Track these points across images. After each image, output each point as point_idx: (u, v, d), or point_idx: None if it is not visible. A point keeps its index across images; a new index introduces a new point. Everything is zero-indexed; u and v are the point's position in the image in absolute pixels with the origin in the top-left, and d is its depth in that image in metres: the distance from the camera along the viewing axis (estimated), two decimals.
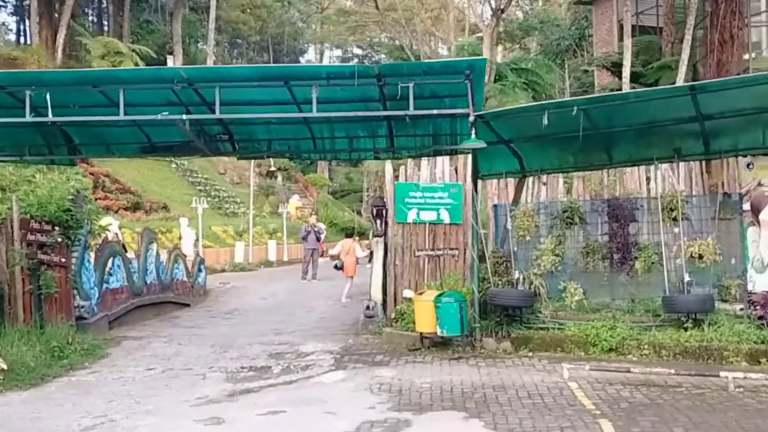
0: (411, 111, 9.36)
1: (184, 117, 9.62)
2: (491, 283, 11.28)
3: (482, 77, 9.52)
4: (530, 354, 10.71)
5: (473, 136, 9.23)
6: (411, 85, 9.24)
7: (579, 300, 11.04)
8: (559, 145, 10.19)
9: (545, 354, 10.67)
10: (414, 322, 12.14)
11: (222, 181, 48.94)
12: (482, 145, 9.28)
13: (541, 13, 45.26)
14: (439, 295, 11.04)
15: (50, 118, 9.42)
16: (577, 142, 9.95)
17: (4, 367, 10.08)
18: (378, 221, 13.12)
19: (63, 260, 12.99)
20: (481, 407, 8.04)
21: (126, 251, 16.29)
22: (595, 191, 13.14)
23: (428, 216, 12.98)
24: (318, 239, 24.77)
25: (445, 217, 12.95)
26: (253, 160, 40.99)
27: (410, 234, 13.12)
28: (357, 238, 35.40)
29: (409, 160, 13.19)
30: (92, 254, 14.31)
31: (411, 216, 13.02)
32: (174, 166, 45.41)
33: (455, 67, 9.27)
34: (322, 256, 26.77)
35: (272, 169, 38.12)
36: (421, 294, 11.46)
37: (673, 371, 8.93)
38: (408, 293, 12.71)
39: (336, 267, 18.65)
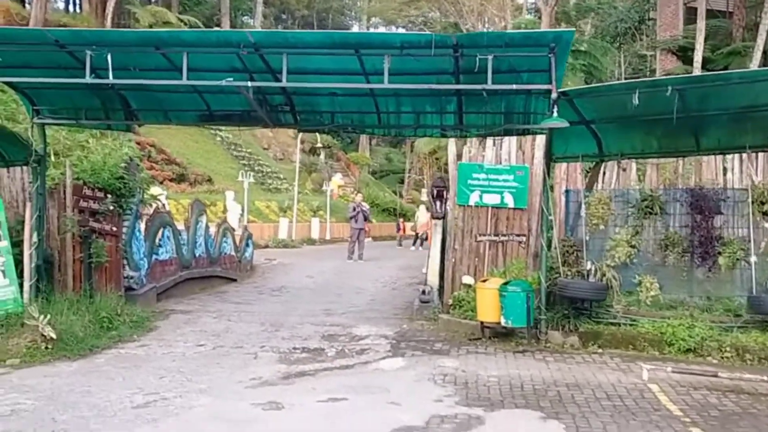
0: (489, 85, 8.78)
1: (249, 84, 9.13)
2: (559, 273, 10.65)
3: (567, 51, 8.87)
4: (600, 350, 10.09)
5: (555, 114, 8.59)
6: (490, 57, 8.64)
7: (654, 295, 10.37)
8: (643, 128, 9.49)
9: (616, 351, 10.03)
10: (473, 310, 11.62)
11: (266, 156, 48.73)
12: (565, 124, 8.66)
13: None
14: (505, 283, 10.46)
15: (111, 80, 9.01)
16: (663, 125, 9.27)
17: (54, 336, 9.81)
18: (438, 203, 12.56)
19: (114, 229, 12.70)
20: (558, 407, 7.47)
21: None
22: (670, 180, 12.41)
23: (491, 199, 12.39)
24: (366, 218, 24.31)
25: (509, 201, 12.35)
26: (299, 135, 40.81)
27: (471, 217, 12.54)
28: (402, 220, 35.27)
29: (474, 139, 12.58)
30: (142, 224, 14.00)
31: (473, 198, 12.43)
32: (219, 139, 45.31)
33: (539, 39, 8.64)
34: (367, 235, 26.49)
35: (318, 145, 37.69)
36: (484, 281, 10.90)
37: (765, 378, 8.25)
38: (468, 279, 12.15)
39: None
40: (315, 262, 22.82)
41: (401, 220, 34.01)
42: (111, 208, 12.52)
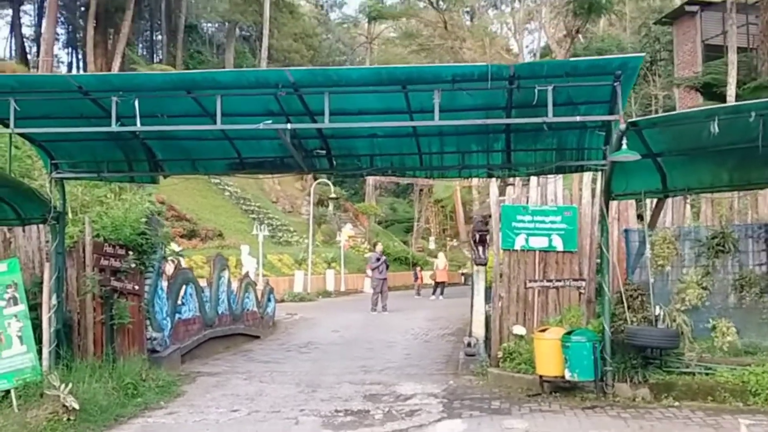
0: (550, 118, 8.07)
1: (289, 126, 8.45)
2: (623, 320, 9.83)
3: (633, 79, 8.20)
4: (677, 404, 9.18)
5: (624, 146, 7.88)
6: (550, 88, 7.97)
7: (731, 341, 9.51)
8: (714, 160, 8.76)
9: (694, 404, 9.13)
10: (527, 363, 10.81)
11: (275, 210, 48.26)
12: (636, 156, 7.94)
13: (605, 38, 43.83)
14: (568, 333, 9.63)
15: (139, 127, 8.32)
16: (735, 156, 8.56)
17: (76, 406, 9.00)
18: (480, 248, 11.77)
19: (137, 288, 11.93)
20: None
21: None
22: (726, 217, 11.65)
23: (539, 242, 11.61)
24: (387, 267, 23.55)
25: (558, 243, 11.57)
26: (313, 186, 40.25)
27: (517, 263, 11.75)
28: (419, 268, 34.52)
29: (517, 180, 11.88)
30: (164, 281, 13.23)
31: (519, 242, 11.66)
32: (227, 194, 44.93)
33: (605, 67, 7.96)
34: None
35: (332, 195, 37.19)
36: (542, 331, 10.06)
37: None
38: (519, 330, 11.32)
39: None
40: (337, 315, 21.94)
41: (418, 268, 33.18)
42: (133, 265, 11.77)
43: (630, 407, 9.18)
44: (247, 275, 17.98)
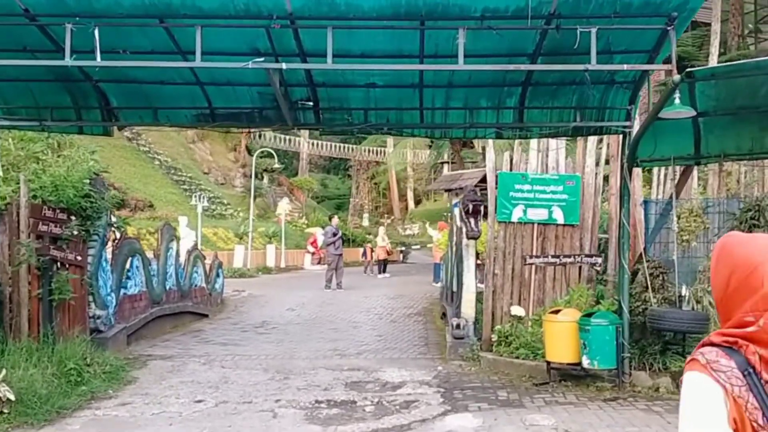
0: (593, 65, 6.94)
1: (284, 66, 7.02)
2: (640, 301, 8.85)
3: (687, 23, 7.15)
4: None
5: (677, 101, 6.79)
6: (593, 30, 6.82)
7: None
8: (761, 123, 7.77)
9: None
10: (525, 347, 9.79)
11: (207, 181, 46.03)
12: (692, 113, 6.90)
13: None
14: (587, 315, 8.57)
15: (99, 62, 6.76)
16: None
17: (12, 397, 7.62)
18: (472, 219, 10.58)
19: (79, 258, 10.31)
20: None
21: None
22: (735, 189, 10.83)
23: (537, 214, 10.55)
24: (343, 242, 22.22)
25: (558, 216, 10.53)
26: (253, 160, 38.44)
27: (513, 236, 10.66)
28: (369, 245, 33.28)
29: (516, 144, 10.75)
30: (109, 252, 11.60)
31: (516, 214, 10.57)
32: (157, 163, 42.60)
33: (659, 6, 6.83)
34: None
35: (277, 166, 35.53)
36: (555, 312, 8.96)
37: None
38: (517, 310, 10.24)
39: None
40: (288, 292, 20.48)
41: (368, 245, 31.88)
42: (75, 232, 10.13)
43: (656, 399, 8.20)
44: (195, 247, 16.37)
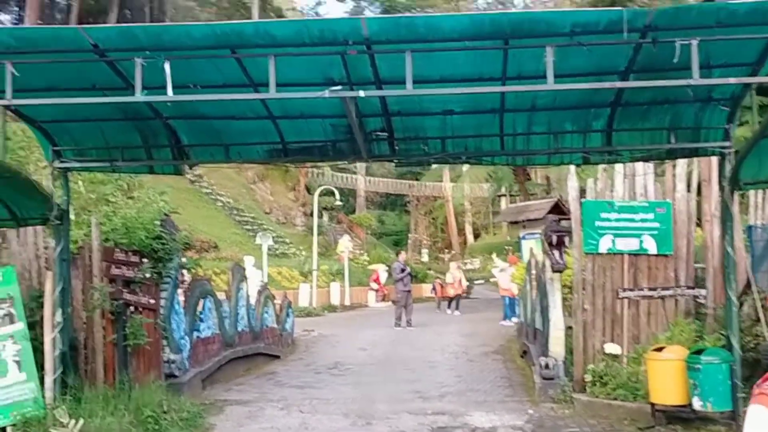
0: (696, 80, 6.37)
1: (362, 93, 6.65)
2: (751, 336, 8.15)
3: None
4: None
5: None
6: (694, 42, 6.28)
7: None
8: None
9: None
10: (623, 388, 9.12)
11: (268, 221, 46.25)
12: None
13: None
14: (696, 352, 7.88)
15: (170, 96, 6.51)
16: None
17: None
18: (557, 252, 10.02)
19: (152, 301, 10.08)
20: None
21: None
22: None
23: (627, 244, 9.91)
24: (413, 278, 21.71)
25: (650, 245, 9.87)
26: (301, 198, 38.48)
27: (602, 269, 10.03)
28: (439, 281, 32.68)
29: (601, 170, 10.17)
30: (181, 294, 11.37)
31: (603, 245, 9.95)
32: (220, 204, 43.02)
33: (767, 14, 6.26)
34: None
35: (338, 203, 35.43)
36: (658, 350, 8.29)
37: None
38: (612, 348, 9.59)
39: None
40: (357, 331, 20.04)
41: (437, 281, 31.24)
42: (148, 275, 9.92)
43: None
44: (266, 287, 16.11)
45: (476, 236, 65.67)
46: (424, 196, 63.24)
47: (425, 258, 57.19)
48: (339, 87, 6.62)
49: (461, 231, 64.30)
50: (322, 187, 37.39)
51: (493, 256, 30.20)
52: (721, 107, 7.87)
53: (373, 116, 8.17)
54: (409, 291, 20.59)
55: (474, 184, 55.29)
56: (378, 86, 7.34)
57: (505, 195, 54.85)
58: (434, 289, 30.86)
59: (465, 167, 54.38)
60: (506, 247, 38.62)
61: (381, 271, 36.28)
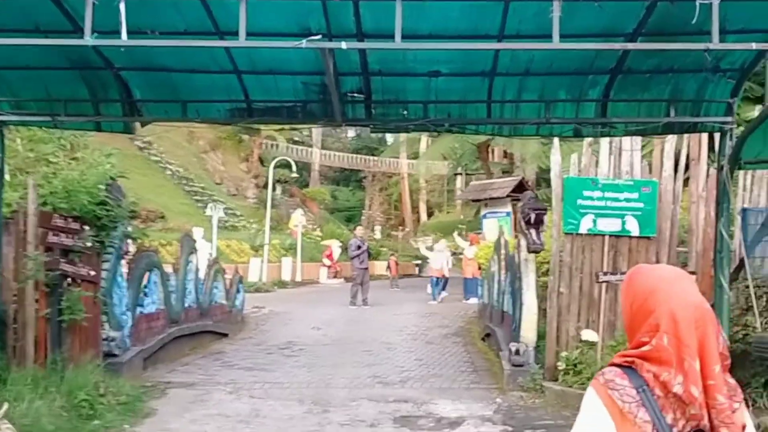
0: (716, 44, 5.74)
1: (343, 45, 5.82)
2: (740, 326, 7.64)
3: None
4: None
5: None
6: (716, 2, 5.63)
7: None
8: None
9: None
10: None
11: (219, 192, 44.91)
12: None
13: None
14: None
15: (125, 40, 5.57)
16: None
17: None
18: (534, 231, 9.38)
19: (92, 273, 9.11)
20: None
21: None
22: None
23: (609, 225, 9.34)
24: (370, 255, 20.92)
25: (633, 227, 9.33)
26: (254, 169, 37.41)
27: (581, 250, 9.46)
28: (394, 257, 31.92)
29: (586, 145, 9.56)
30: (124, 266, 10.43)
31: (585, 225, 9.37)
32: (169, 173, 41.55)
33: None
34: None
35: (294, 175, 34.57)
36: None
37: None
38: (589, 335, 9.02)
39: None
40: (310, 308, 19.23)
41: (393, 258, 30.54)
42: (89, 244, 8.96)
43: None
44: (216, 260, 15.16)
45: (429, 214, 65.34)
46: (380, 173, 62.51)
47: (378, 235, 56.59)
48: (318, 36, 5.78)
49: (415, 209, 63.84)
50: (278, 158, 36.31)
51: (454, 234, 29.58)
52: (727, 79, 7.29)
53: (351, 75, 7.35)
54: (365, 269, 19.81)
55: (432, 162, 54.74)
56: (360, 39, 6.54)
57: (460, 174, 54.43)
58: (389, 266, 30.18)
59: (423, 145, 53.88)
60: (460, 226, 38.18)
61: (334, 247, 35.50)
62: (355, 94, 7.49)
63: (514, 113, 7.89)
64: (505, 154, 41.47)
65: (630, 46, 6.36)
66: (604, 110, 7.73)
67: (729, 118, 7.44)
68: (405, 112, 7.75)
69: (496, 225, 25.06)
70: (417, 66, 7.12)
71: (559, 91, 7.63)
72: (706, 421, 1.79)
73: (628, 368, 1.83)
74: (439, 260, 22.18)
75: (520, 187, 25.57)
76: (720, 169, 7.54)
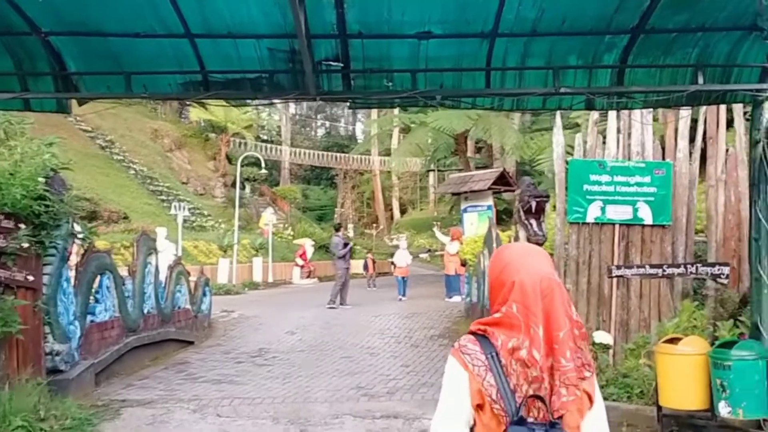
0: None
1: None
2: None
3: None
4: None
5: None
6: None
7: None
8: None
9: None
10: (616, 385, 7.50)
11: (185, 191, 43.45)
12: None
13: None
14: (723, 344, 6.31)
15: None
16: None
17: None
18: (534, 221, 8.31)
19: (31, 278, 7.90)
20: None
21: None
22: None
23: (619, 213, 8.34)
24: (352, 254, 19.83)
25: (646, 214, 8.33)
26: (221, 168, 36.03)
27: (589, 241, 8.43)
28: (371, 256, 30.75)
29: (591, 123, 8.52)
30: (71, 269, 9.20)
31: (592, 213, 8.35)
32: (132, 172, 40.14)
33: None
34: None
35: (264, 171, 33.32)
36: (671, 342, 6.67)
37: None
38: (603, 337, 7.97)
39: None
40: (283, 311, 18.01)
41: (369, 257, 29.36)
42: (26, 245, 7.74)
43: None
44: (178, 261, 13.91)
45: (403, 212, 64.46)
46: (352, 170, 61.45)
47: (351, 233, 55.49)
48: None
49: (388, 206, 62.93)
50: (246, 155, 35.04)
51: (435, 229, 28.60)
52: (763, 39, 6.25)
53: (326, 37, 6.19)
54: (347, 268, 18.64)
55: (405, 157, 53.74)
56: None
57: (433, 170, 53.46)
58: (366, 265, 29.04)
59: (395, 141, 52.79)
60: (434, 222, 37.21)
61: (307, 246, 34.38)
62: (332, 63, 6.33)
63: (517, 83, 6.76)
64: (478, 149, 40.60)
65: None
66: (621, 78, 6.66)
67: (765, 85, 6.42)
68: (390, 84, 6.60)
69: (477, 219, 24.17)
70: (405, 25, 6.00)
71: (570, 56, 6.53)
72: (546, 384, 2.01)
73: (481, 336, 2.06)
74: (405, 258, 22.34)
75: (502, 178, 24.70)
76: (755, 143, 6.52)
